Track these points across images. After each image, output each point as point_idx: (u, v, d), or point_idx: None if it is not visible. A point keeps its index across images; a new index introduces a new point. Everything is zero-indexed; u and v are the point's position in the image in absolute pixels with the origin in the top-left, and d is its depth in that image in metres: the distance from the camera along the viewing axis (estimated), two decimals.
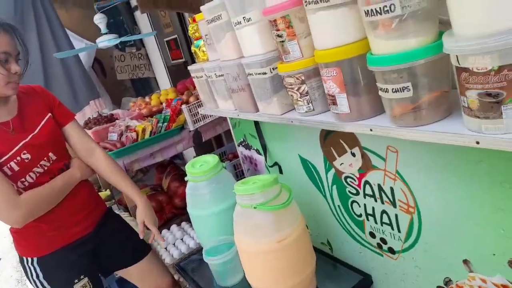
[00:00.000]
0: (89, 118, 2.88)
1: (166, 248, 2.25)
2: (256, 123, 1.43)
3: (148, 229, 1.54)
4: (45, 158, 1.33)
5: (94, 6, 2.38)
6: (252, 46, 1.06)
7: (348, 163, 1.07)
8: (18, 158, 1.25)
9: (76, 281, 1.42)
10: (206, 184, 1.42)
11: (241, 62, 1.11)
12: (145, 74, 4.36)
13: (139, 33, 4.23)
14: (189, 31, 1.43)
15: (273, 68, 1.04)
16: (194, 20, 1.40)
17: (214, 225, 1.42)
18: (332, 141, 1.09)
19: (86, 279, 1.45)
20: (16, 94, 1.35)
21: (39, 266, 1.37)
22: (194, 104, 2.43)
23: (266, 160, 1.46)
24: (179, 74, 3.64)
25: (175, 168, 2.93)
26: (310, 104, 0.96)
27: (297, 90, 0.96)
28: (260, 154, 1.53)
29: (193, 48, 1.46)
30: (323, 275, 1.21)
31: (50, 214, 1.34)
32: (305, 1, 0.79)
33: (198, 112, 2.46)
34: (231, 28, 1.11)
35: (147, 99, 3.09)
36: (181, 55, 3.48)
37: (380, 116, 0.82)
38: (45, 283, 1.39)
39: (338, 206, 1.19)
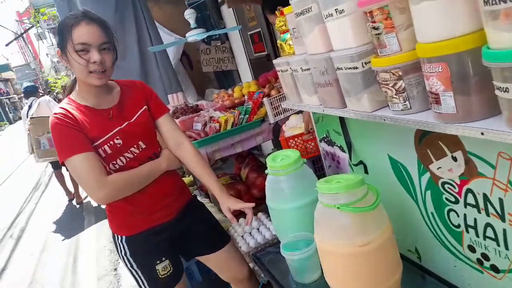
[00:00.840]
0: (177, 107, 3.06)
1: (242, 237, 2.32)
2: (342, 119, 1.38)
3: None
4: (135, 145, 1.43)
5: (185, 2, 2.50)
6: (343, 39, 1.01)
7: (448, 168, 0.97)
8: (111, 142, 1.37)
9: (158, 262, 1.52)
10: (287, 179, 1.41)
11: (330, 56, 1.07)
12: (228, 67, 4.50)
13: (224, 27, 4.36)
14: (275, 25, 1.42)
15: (365, 63, 0.97)
16: (282, 13, 1.38)
17: (293, 220, 1.41)
18: (429, 143, 1.00)
19: (167, 261, 1.54)
20: (120, 86, 1.50)
21: (126, 244, 1.50)
22: (276, 97, 2.43)
23: (350, 158, 1.40)
24: (261, 67, 3.68)
25: (253, 159, 2.98)
26: (407, 102, 0.89)
27: (393, 86, 0.89)
28: (344, 151, 1.47)
29: (279, 42, 1.45)
30: (410, 285, 1.12)
31: (136, 198, 1.45)
32: None
33: (279, 105, 2.46)
34: (321, 20, 1.07)
35: (229, 91, 3.19)
36: (264, 49, 3.51)
37: (492, 118, 0.71)
38: (131, 260, 1.52)
39: (432, 213, 1.09)
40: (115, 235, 1.53)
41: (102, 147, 1.37)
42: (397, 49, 0.85)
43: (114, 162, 1.41)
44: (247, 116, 2.45)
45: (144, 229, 1.50)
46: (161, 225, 1.53)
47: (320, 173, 2.04)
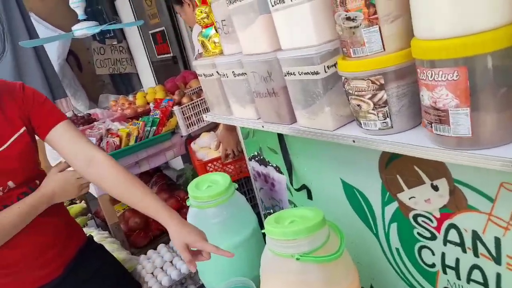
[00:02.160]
0: None
1: (153, 274, 1.93)
2: (280, 134, 1.14)
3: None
4: (0, 188, 0.98)
5: None
6: (298, 35, 0.76)
7: (424, 198, 0.79)
8: None
9: None
10: (216, 212, 1.11)
11: (278, 57, 0.82)
12: (126, 69, 3.99)
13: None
14: (196, 16, 1.11)
15: (328, 66, 0.74)
16: (204, 2, 1.09)
17: (226, 264, 1.12)
18: (400, 167, 0.81)
19: None
20: None
21: None
22: (188, 106, 2.11)
23: (290, 181, 1.16)
24: (166, 70, 3.29)
25: (162, 177, 2.60)
26: (388, 119, 0.68)
27: (370, 98, 0.67)
28: (281, 173, 1.23)
29: (199, 38, 1.15)
30: None
31: (2, 256, 1.00)
32: None
33: (192, 115, 2.14)
34: (265, 9, 0.81)
35: (130, 97, 2.74)
36: (169, 50, 3.14)
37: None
38: None
39: (397, 249, 0.92)
40: None
41: None
42: (379, 48, 0.63)
43: None
44: (154, 128, 2.07)
45: None
46: (42, 287, 1.08)
47: (249, 197, 1.78)
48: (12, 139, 0.99)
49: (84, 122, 2.33)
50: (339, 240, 0.82)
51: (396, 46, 0.63)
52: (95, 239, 1.98)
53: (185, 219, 1.12)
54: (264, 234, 1.17)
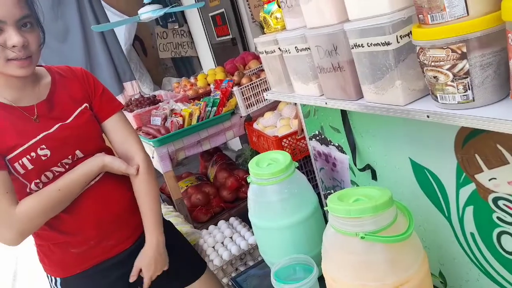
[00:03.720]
0: (130, 99, 2.66)
1: (214, 248, 2.01)
2: (343, 112, 1.10)
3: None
4: (69, 156, 1.04)
5: None
6: (368, 3, 0.72)
7: (508, 180, 0.72)
8: (33, 153, 0.98)
9: None
10: (276, 189, 1.12)
11: (345, 28, 0.78)
12: (188, 53, 4.11)
13: None
14: None
15: (401, 36, 0.70)
16: None
17: (286, 241, 1.13)
18: (480, 145, 0.75)
19: None
20: (52, 75, 1.09)
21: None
22: (247, 86, 2.13)
23: (354, 160, 1.13)
24: (225, 52, 3.34)
25: (222, 157, 2.67)
26: (469, 92, 0.62)
27: (450, 69, 0.62)
28: (344, 152, 1.20)
29: (261, 15, 1.14)
30: None
31: (68, 223, 1.06)
32: None
33: (251, 96, 2.16)
34: None
35: (192, 79, 2.83)
36: (228, 31, 3.16)
37: None
38: None
39: (471, 234, 0.85)
40: (49, 276, 1.14)
41: (19, 161, 0.97)
42: (462, 12, 0.57)
43: (38, 181, 1.01)
44: (215, 108, 2.12)
45: (88, 267, 1.11)
46: (113, 258, 1.14)
47: (310, 178, 1.77)
48: (76, 112, 1.08)
49: (150, 102, 2.46)
50: (407, 221, 0.78)
51: (482, 9, 0.57)
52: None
53: (246, 197, 1.16)
54: (324, 213, 1.17)
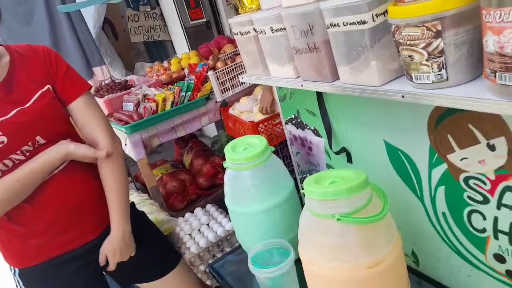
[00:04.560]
0: (101, 84, 2.56)
1: (190, 235, 1.99)
2: (319, 95, 1.09)
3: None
4: (29, 143, 0.98)
5: None
6: None
7: (478, 159, 0.73)
8: None
9: None
10: (253, 174, 1.10)
11: (321, 7, 0.76)
12: (160, 37, 3.99)
13: None
14: None
15: (376, 14, 0.68)
16: None
17: (263, 226, 1.13)
18: (452, 126, 0.76)
19: None
20: (10, 55, 1.01)
21: (21, 280, 1.08)
22: (223, 70, 2.09)
23: (329, 144, 1.13)
24: (200, 36, 3.26)
25: (197, 143, 2.63)
26: (443, 71, 0.62)
27: (424, 47, 0.61)
28: (319, 135, 1.20)
29: None
30: None
31: (27, 214, 1.01)
32: None
33: (226, 80, 2.12)
34: None
35: (165, 63, 2.74)
36: (202, 15, 3.08)
37: None
38: None
39: (443, 213, 0.87)
40: (10, 267, 1.09)
41: None
42: None
43: None
44: (189, 93, 2.07)
45: (43, 260, 1.06)
46: (69, 252, 1.08)
47: (285, 162, 1.76)
48: (37, 95, 1.00)
49: (121, 88, 2.38)
50: (382, 202, 0.79)
51: None
52: (135, 201, 2.06)
53: (222, 183, 1.13)
54: (301, 199, 1.17)
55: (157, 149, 3.81)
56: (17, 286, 1.09)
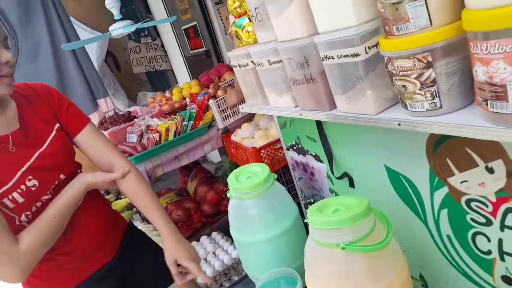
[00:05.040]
0: (104, 117, 2.60)
1: None
2: (319, 122, 1.11)
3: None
4: (56, 182, 1.02)
5: None
6: (336, 16, 0.73)
7: (478, 182, 0.74)
8: (23, 186, 0.94)
9: None
10: (256, 203, 1.11)
11: (315, 41, 0.79)
12: (162, 66, 4.08)
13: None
14: (228, 6, 1.11)
15: (369, 47, 0.71)
16: None
17: (268, 255, 1.12)
18: (450, 150, 0.77)
19: None
20: (14, 98, 1.03)
21: None
22: (223, 98, 2.12)
23: (331, 169, 1.14)
24: (200, 65, 3.33)
25: (201, 170, 2.64)
26: (436, 99, 0.64)
27: (417, 77, 0.63)
28: (321, 161, 1.21)
29: (233, 29, 1.14)
30: None
31: (69, 241, 1.06)
32: None
33: (227, 108, 2.15)
34: None
35: (167, 93, 2.80)
36: (202, 44, 3.16)
37: None
38: None
39: (448, 236, 0.87)
40: None
41: (9, 197, 0.92)
42: (426, 23, 0.59)
43: (29, 212, 0.97)
44: (191, 122, 2.10)
45: (82, 280, 1.11)
46: (102, 268, 1.15)
47: (289, 187, 1.77)
48: (51, 136, 1.03)
49: (124, 119, 2.41)
50: (386, 228, 0.79)
51: (445, 19, 0.59)
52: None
53: (227, 210, 1.16)
54: (305, 224, 1.17)
55: (161, 176, 3.82)
56: None
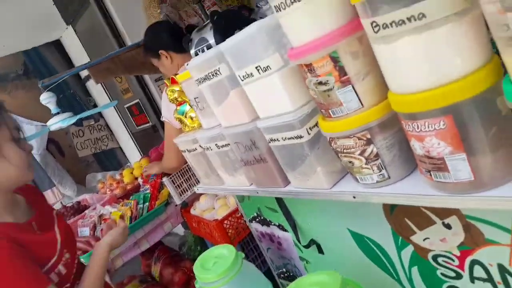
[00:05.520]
0: None
1: None
2: None
3: None
4: (78, 253, 1.13)
5: (39, 85, 2.02)
6: (273, 104, 0.76)
7: (439, 238, 0.76)
8: (64, 258, 1.02)
9: None
10: None
11: (258, 126, 0.81)
12: (108, 146, 3.96)
13: (95, 104, 3.88)
14: (168, 96, 1.11)
15: (310, 128, 0.73)
16: (173, 81, 1.09)
17: None
18: (406, 211, 0.79)
19: None
20: (18, 193, 1.09)
21: None
22: (177, 174, 2.07)
23: (297, 238, 1.12)
24: (148, 139, 3.28)
25: (164, 250, 2.49)
26: (383, 171, 0.66)
27: (361, 154, 0.66)
28: (285, 230, 1.19)
29: (176, 116, 1.15)
30: None
31: None
32: (375, 26, 0.51)
33: (182, 182, 2.10)
34: (236, 83, 0.81)
35: (117, 176, 2.69)
36: (147, 120, 3.14)
37: None
38: None
39: None
40: None
41: (55, 270, 0.98)
42: (357, 105, 0.63)
43: (69, 285, 1.02)
44: (147, 203, 2.01)
45: None
46: None
47: (256, 252, 1.71)
48: (55, 217, 1.13)
49: (74, 212, 2.26)
50: None
51: (374, 100, 0.63)
52: None
53: None
54: None
55: (123, 266, 3.55)
56: None
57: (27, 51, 3.88)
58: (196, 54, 1.05)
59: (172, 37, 1.62)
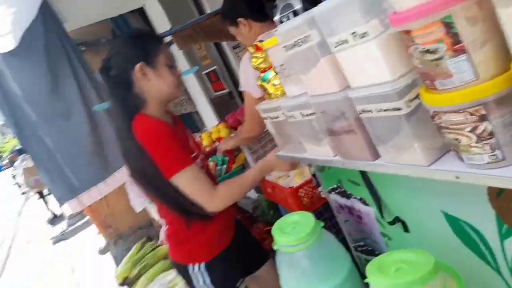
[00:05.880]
0: None
1: None
2: None
3: None
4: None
5: None
6: (368, 73, 0.71)
7: None
8: (199, 158, 1.35)
9: (237, 284, 1.40)
10: (307, 254, 1.06)
11: (349, 95, 0.76)
12: (187, 110, 4.16)
13: None
14: (252, 63, 1.11)
15: (410, 100, 0.67)
16: (258, 49, 1.08)
17: None
18: None
19: (243, 280, 1.44)
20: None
21: (207, 271, 1.35)
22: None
23: (381, 213, 1.08)
24: (224, 105, 3.37)
25: (238, 211, 2.61)
26: (497, 151, 0.59)
27: (471, 131, 0.59)
28: (367, 204, 1.15)
29: (259, 83, 1.14)
30: None
31: (226, 210, 1.31)
32: None
33: (259, 148, 2.14)
34: (327, 51, 0.77)
35: (197, 138, 2.82)
36: (224, 86, 3.21)
37: None
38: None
39: None
40: (190, 266, 1.34)
41: (197, 161, 1.30)
42: (472, 77, 0.56)
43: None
44: (225, 166, 2.09)
45: (224, 247, 1.39)
46: (233, 238, 1.43)
47: (330, 222, 1.70)
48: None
49: None
50: (455, 283, 0.73)
51: (492, 72, 0.55)
52: None
53: (270, 249, 1.25)
54: (359, 268, 1.10)
55: None
56: (197, 280, 1.34)
57: (114, 18, 4.14)
58: (281, 22, 1.02)
59: (251, 5, 1.58)
